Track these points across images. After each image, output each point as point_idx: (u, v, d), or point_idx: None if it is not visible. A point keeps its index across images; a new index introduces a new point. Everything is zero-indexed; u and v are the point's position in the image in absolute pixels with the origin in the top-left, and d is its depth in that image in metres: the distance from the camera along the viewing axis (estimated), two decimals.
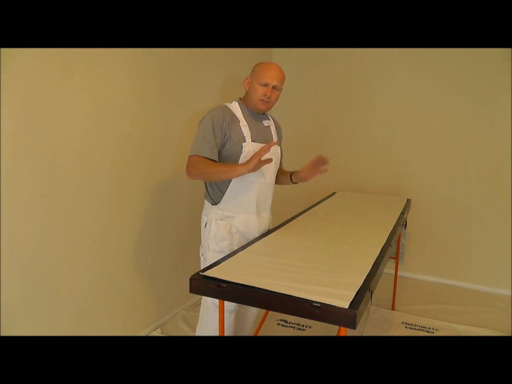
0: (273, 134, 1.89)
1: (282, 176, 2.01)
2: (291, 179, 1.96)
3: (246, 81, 1.80)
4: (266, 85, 1.72)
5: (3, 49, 1.45)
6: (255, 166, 1.55)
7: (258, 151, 1.54)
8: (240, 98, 1.84)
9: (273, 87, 1.73)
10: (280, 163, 2.03)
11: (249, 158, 1.72)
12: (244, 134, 1.73)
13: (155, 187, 2.34)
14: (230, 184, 1.75)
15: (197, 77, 2.60)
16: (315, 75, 3.51)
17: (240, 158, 1.72)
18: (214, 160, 1.68)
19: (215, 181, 1.77)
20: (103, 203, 2.00)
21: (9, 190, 1.56)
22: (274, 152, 1.85)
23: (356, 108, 3.41)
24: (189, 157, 1.69)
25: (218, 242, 1.77)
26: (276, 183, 2.03)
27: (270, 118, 1.93)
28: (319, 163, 1.81)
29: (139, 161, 2.19)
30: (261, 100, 1.74)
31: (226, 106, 1.78)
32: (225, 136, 1.70)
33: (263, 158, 1.58)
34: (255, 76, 1.74)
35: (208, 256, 1.78)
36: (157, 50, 2.22)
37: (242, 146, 1.72)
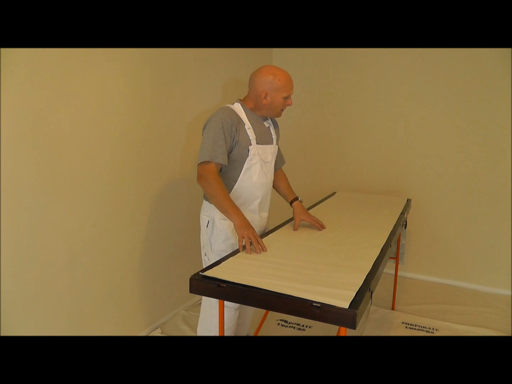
0: (272, 134, 1.89)
1: (282, 187, 2.03)
2: (290, 203, 1.99)
3: (264, 95, 1.72)
4: (288, 97, 1.77)
5: (3, 49, 1.45)
6: (246, 235, 1.55)
7: (259, 241, 1.54)
8: (240, 99, 1.83)
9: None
10: (278, 162, 2.04)
11: (255, 160, 1.73)
12: (250, 138, 1.73)
13: (155, 187, 2.34)
14: (235, 186, 1.75)
15: (198, 78, 2.59)
16: (314, 75, 3.51)
17: (246, 161, 1.73)
18: (224, 166, 1.69)
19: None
20: (103, 204, 2.00)
21: (9, 189, 1.56)
22: (273, 152, 1.86)
23: (356, 108, 3.41)
24: (201, 162, 1.66)
25: (222, 242, 1.77)
26: (273, 187, 2.04)
27: (268, 118, 1.93)
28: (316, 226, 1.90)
29: (139, 161, 2.19)
30: (282, 110, 1.81)
31: (231, 108, 1.75)
32: (233, 140, 1.69)
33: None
34: (278, 90, 1.72)
35: (212, 256, 1.78)
36: (158, 50, 2.22)
37: (248, 150, 1.72)
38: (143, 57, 2.13)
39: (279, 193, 2.05)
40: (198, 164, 1.68)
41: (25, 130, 1.59)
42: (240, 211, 1.63)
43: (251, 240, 1.54)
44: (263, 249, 1.54)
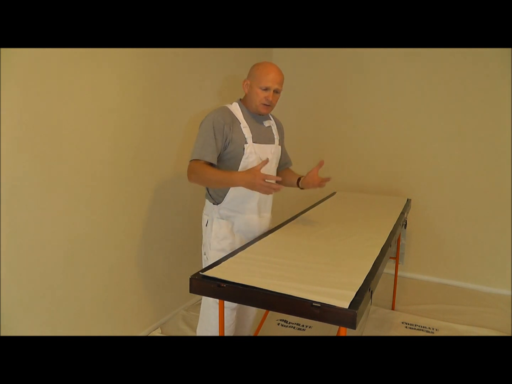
0: (274, 134, 1.89)
1: (288, 178, 1.98)
2: (298, 185, 1.93)
3: (245, 83, 1.77)
4: (267, 89, 1.71)
5: (3, 49, 1.45)
6: (256, 186, 1.53)
7: (270, 185, 1.51)
8: (240, 99, 1.83)
9: (274, 91, 1.73)
10: (286, 163, 2.03)
11: (251, 159, 1.72)
12: (246, 136, 1.73)
13: (155, 187, 2.34)
14: None
15: (197, 78, 2.60)
16: (315, 75, 3.51)
17: (242, 159, 1.72)
18: (214, 164, 1.69)
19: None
20: (103, 204, 2.00)
21: (9, 189, 1.56)
22: (274, 152, 1.86)
23: (356, 108, 3.41)
24: (190, 161, 1.70)
25: (219, 241, 1.77)
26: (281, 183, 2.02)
27: (271, 118, 1.93)
28: (319, 167, 1.83)
29: (139, 161, 2.19)
30: (263, 104, 1.74)
31: (227, 107, 1.78)
32: (226, 139, 1.70)
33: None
34: (255, 80, 1.72)
35: (210, 254, 1.78)
36: (157, 50, 2.22)
37: (244, 148, 1.72)
38: (144, 57, 2.13)
39: (287, 185, 2.00)
40: (189, 162, 1.71)
41: (24, 129, 1.59)
42: (235, 172, 1.64)
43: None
44: (277, 189, 1.52)
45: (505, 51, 2.81)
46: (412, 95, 3.20)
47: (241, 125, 1.74)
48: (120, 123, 2.04)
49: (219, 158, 1.74)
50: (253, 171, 1.53)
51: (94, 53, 1.84)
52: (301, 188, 1.93)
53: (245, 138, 1.73)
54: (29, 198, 1.64)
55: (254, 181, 1.52)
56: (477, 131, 3.04)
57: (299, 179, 1.92)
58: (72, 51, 1.73)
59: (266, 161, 1.56)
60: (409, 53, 3.15)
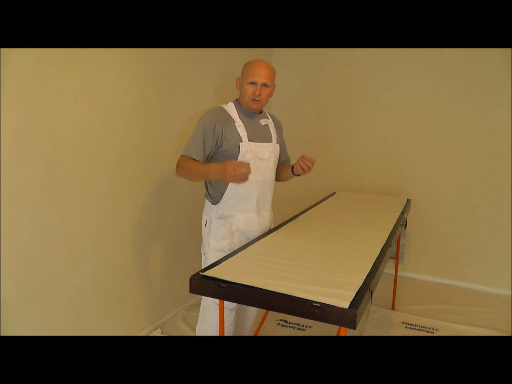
0: (271, 132, 1.89)
1: (285, 171, 1.97)
2: (293, 172, 1.90)
3: (237, 82, 1.82)
4: (254, 83, 1.73)
5: (3, 49, 1.45)
6: (227, 177, 1.52)
7: (243, 171, 1.50)
8: (236, 99, 1.85)
9: (262, 85, 1.74)
10: (285, 160, 2.03)
11: (247, 157, 1.73)
12: (241, 135, 1.74)
13: (154, 187, 2.34)
14: (230, 183, 1.75)
15: (196, 78, 2.60)
16: (315, 75, 3.51)
17: (238, 158, 1.73)
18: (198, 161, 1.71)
19: (200, 181, 1.82)
20: (103, 203, 2.00)
21: (9, 189, 1.56)
22: (272, 151, 1.86)
23: (356, 108, 3.41)
24: (180, 156, 1.74)
25: (218, 241, 1.77)
26: (280, 180, 2.02)
27: (269, 117, 1.93)
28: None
29: (138, 161, 2.19)
30: (252, 99, 1.76)
31: (222, 107, 1.81)
32: (218, 138, 1.72)
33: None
34: (244, 76, 1.77)
35: (208, 254, 1.79)
36: (156, 50, 2.22)
37: (239, 146, 1.73)
38: (143, 57, 2.13)
39: (286, 178, 1.99)
40: (180, 157, 1.75)
41: (25, 129, 1.59)
42: (212, 164, 1.65)
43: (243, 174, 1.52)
44: (247, 170, 1.51)
45: (505, 51, 2.81)
46: (412, 95, 3.21)
47: (235, 124, 1.75)
48: (119, 123, 2.04)
49: (215, 157, 1.76)
50: (226, 163, 1.53)
51: (92, 54, 1.84)
52: (297, 175, 1.89)
53: (240, 137, 1.74)
54: (29, 198, 1.64)
55: (225, 172, 1.52)
56: (477, 131, 3.04)
57: (292, 167, 1.90)
58: (71, 51, 1.73)
59: (247, 164, 1.53)
60: (409, 53, 3.15)
